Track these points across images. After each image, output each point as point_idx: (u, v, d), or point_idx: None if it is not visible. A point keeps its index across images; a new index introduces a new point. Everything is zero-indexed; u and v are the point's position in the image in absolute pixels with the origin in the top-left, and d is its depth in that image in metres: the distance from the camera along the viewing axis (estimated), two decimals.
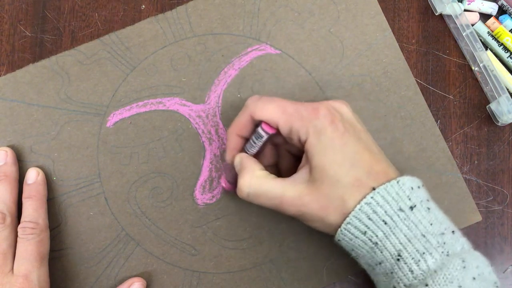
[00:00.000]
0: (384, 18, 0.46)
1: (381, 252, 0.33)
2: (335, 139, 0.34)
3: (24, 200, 0.40)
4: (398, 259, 0.33)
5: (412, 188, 0.34)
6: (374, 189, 0.33)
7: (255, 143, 0.38)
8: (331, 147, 0.34)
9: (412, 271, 0.32)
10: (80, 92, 0.44)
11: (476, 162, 0.45)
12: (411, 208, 0.33)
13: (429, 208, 0.34)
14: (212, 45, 0.45)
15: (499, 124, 0.45)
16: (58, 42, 0.45)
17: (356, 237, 0.34)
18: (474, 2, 0.46)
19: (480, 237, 0.44)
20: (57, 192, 0.42)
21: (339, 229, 0.34)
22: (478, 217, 0.43)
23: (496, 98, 0.43)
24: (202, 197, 0.43)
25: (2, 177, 0.40)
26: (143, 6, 0.46)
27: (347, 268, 0.42)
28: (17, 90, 0.43)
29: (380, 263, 0.34)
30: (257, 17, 0.45)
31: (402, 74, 0.45)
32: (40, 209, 0.40)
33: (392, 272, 0.33)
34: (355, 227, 0.33)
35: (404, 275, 0.32)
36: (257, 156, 0.39)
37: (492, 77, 0.43)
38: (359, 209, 0.33)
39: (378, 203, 0.33)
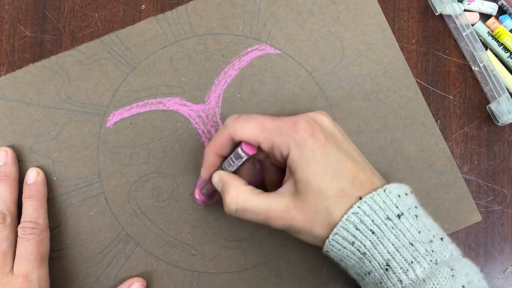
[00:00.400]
0: (384, 18, 0.46)
1: (370, 262, 0.33)
2: (316, 151, 0.34)
3: (24, 200, 0.40)
4: (386, 269, 0.32)
5: (399, 196, 0.34)
6: (360, 198, 0.33)
7: (234, 162, 0.37)
8: (312, 159, 0.34)
9: (401, 281, 0.32)
10: (80, 92, 0.44)
11: (476, 162, 0.45)
12: (399, 216, 0.33)
13: (417, 216, 0.33)
14: (212, 45, 0.45)
15: (499, 124, 0.45)
16: (58, 42, 0.45)
17: (344, 247, 0.34)
18: (474, 2, 0.46)
19: (480, 237, 0.44)
20: (57, 192, 0.42)
21: (327, 240, 0.34)
22: (478, 217, 0.43)
23: (496, 98, 0.43)
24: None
25: (2, 177, 0.40)
26: (143, 6, 0.46)
27: None
28: (17, 90, 0.43)
29: (369, 273, 0.33)
30: (257, 17, 0.45)
31: (402, 74, 0.45)
32: (40, 209, 0.40)
33: (381, 282, 0.33)
34: (343, 238, 0.33)
35: (393, 285, 0.32)
36: (234, 173, 0.38)
37: (492, 77, 0.43)
38: (346, 219, 0.33)
39: (365, 213, 0.33)
